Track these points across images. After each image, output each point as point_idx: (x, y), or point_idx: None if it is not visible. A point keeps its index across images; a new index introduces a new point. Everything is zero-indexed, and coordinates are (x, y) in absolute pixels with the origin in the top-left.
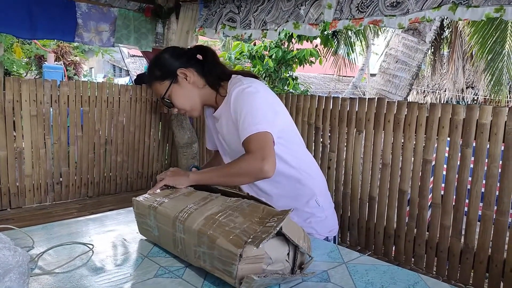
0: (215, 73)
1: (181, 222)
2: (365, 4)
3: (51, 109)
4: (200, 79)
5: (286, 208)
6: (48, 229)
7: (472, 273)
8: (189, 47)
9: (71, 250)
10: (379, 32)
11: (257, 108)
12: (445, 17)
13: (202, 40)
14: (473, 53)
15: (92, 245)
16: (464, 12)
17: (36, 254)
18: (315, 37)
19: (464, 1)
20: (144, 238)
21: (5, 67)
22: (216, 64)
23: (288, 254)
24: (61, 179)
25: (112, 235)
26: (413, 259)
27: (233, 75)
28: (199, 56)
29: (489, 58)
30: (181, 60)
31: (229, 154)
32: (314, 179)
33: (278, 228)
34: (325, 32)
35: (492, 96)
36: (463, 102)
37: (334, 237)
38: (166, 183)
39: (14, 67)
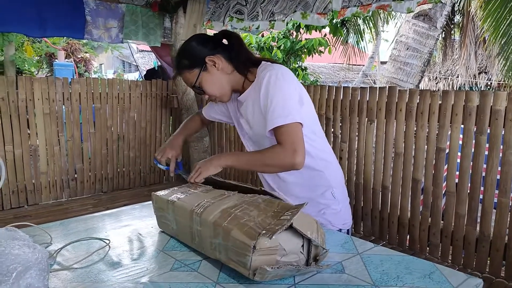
0: (242, 59)
1: (198, 215)
2: None
3: (63, 107)
4: (228, 65)
5: (300, 196)
6: (65, 225)
7: (488, 261)
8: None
9: (88, 245)
10: (389, 19)
11: (289, 97)
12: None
13: (211, 33)
14: (486, 37)
15: (109, 240)
16: None
17: (55, 250)
18: (323, 26)
19: None
20: (161, 231)
21: (17, 66)
22: (242, 49)
23: (302, 246)
24: (76, 175)
25: (128, 230)
26: (428, 248)
27: (262, 61)
28: (225, 41)
29: (502, 42)
30: (208, 47)
31: (251, 138)
32: (331, 171)
33: (292, 221)
34: (334, 21)
35: (507, 81)
36: (476, 88)
37: (348, 230)
38: (198, 167)
39: (26, 65)
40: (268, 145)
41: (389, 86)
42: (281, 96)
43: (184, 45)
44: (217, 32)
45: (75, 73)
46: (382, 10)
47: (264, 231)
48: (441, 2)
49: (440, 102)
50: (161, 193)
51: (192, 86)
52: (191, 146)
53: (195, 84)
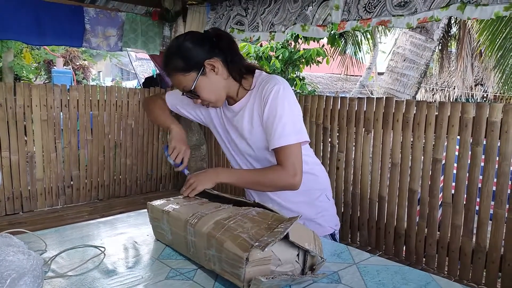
0: (238, 64)
1: (192, 225)
2: (372, 4)
3: (61, 114)
4: (224, 70)
5: (297, 202)
6: (60, 232)
7: (484, 273)
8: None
9: (83, 253)
10: (387, 31)
11: (298, 113)
12: (454, 17)
13: None
14: (482, 50)
15: (104, 247)
16: (473, 11)
17: (49, 257)
18: (321, 37)
19: (472, 0)
20: (156, 240)
21: (15, 72)
22: (237, 53)
23: (298, 255)
24: (72, 182)
25: (123, 237)
26: (424, 259)
27: (257, 70)
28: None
29: (499, 55)
30: (205, 48)
31: (241, 151)
32: (322, 175)
33: (285, 233)
34: (332, 32)
35: (503, 93)
36: (472, 99)
37: (338, 231)
38: (191, 181)
39: (24, 72)
40: (262, 159)
41: (386, 97)
42: (290, 114)
43: (177, 43)
44: (207, 30)
45: (73, 80)
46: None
47: (257, 243)
48: (440, 20)
49: (437, 113)
50: (156, 202)
51: (185, 90)
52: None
53: (189, 89)
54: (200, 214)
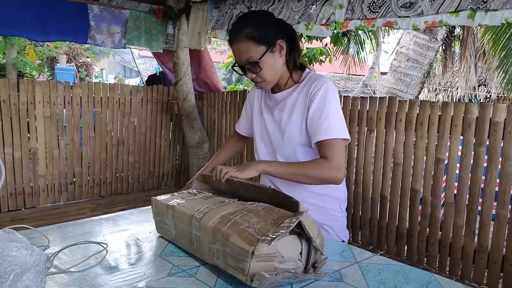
0: (295, 57)
1: (197, 220)
2: (377, 4)
3: (64, 110)
4: (285, 56)
5: (312, 203)
6: (62, 229)
7: (486, 273)
8: (202, 48)
9: (86, 249)
10: (390, 31)
11: (340, 114)
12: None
13: (212, 41)
14: (486, 50)
15: (106, 244)
16: (483, 17)
17: (52, 253)
18: (324, 36)
19: (482, 6)
20: (159, 237)
21: (18, 69)
22: (298, 47)
23: (301, 253)
24: (74, 179)
25: (125, 234)
26: (425, 259)
27: (307, 69)
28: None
29: (502, 55)
30: (279, 29)
31: (271, 139)
32: (341, 186)
33: (292, 226)
34: (335, 31)
35: (506, 94)
36: (475, 100)
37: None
38: (231, 174)
39: (27, 69)
40: (289, 153)
41: (389, 96)
42: (337, 112)
43: (257, 15)
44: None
45: (76, 77)
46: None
47: (263, 237)
48: (450, 25)
49: (440, 113)
50: (161, 197)
51: (246, 61)
52: (190, 152)
53: (254, 61)
54: (206, 209)
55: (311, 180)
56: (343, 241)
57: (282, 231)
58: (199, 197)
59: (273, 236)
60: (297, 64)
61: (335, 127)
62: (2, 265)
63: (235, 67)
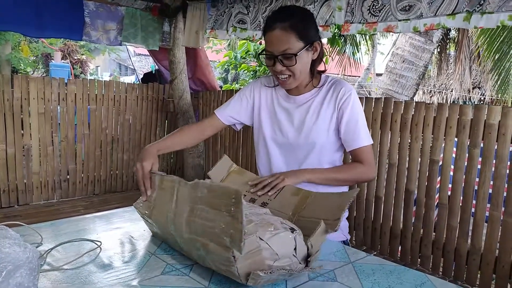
0: (320, 60)
1: (174, 232)
2: (377, 7)
3: (58, 107)
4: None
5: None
6: (56, 226)
7: (479, 274)
8: (200, 46)
9: (79, 247)
10: (386, 32)
11: (365, 120)
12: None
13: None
14: (480, 53)
15: (100, 242)
16: (478, 20)
17: (45, 250)
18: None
19: (478, 8)
20: (152, 235)
21: (12, 65)
22: (323, 52)
23: (295, 249)
24: (68, 176)
25: (119, 232)
26: (419, 260)
27: (326, 73)
28: None
29: (496, 58)
30: (317, 32)
31: (290, 143)
32: (345, 187)
33: (244, 223)
34: (336, 32)
35: (499, 96)
36: (469, 102)
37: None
38: (278, 175)
39: (21, 65)
40: (309, 154)
41: (384, 97)
42: (364, 118)
43: (303, 10)
44: None
45: (71, 74)
46: None
47: (230, 240)
48: (447, 27)
49: (435, 114)
50: (139, 204)
51: (283, 51)
52: (185, 150)
53: (292, 53)
54: (171, 219)
55: (349, 183)
56: (347, 238)
57: (242, 230)
58: (155, 196)
59: (239, 240)
60: (317, 68)
61: (366, 134)
62: None
63: (262, 55)
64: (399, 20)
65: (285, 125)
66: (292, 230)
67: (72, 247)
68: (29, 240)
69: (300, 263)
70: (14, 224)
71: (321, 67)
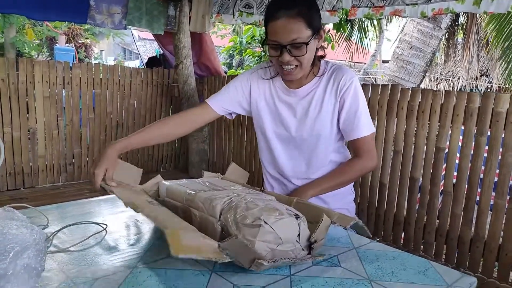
0: (320, 48)
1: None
2: None
3: (63, 91)
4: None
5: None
6: (62, 209)
7: (481, 262)
8: (206, 31)
9: (85, 229)
10: (393, 18)
11: (367, 107)
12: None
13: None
14: (489, 40)
15: (106, 224)
16: (488, 5)
17: (51, 232)
18: (327, 22)
19: None
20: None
21: (17, 48)
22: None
23: (298, 235)
24: (73, 160)
25: (125, 215)
26: (422, 247)
27: (325, 59)
28: None
29: (505, 45)
30: (320, 19)
31: (293, 138)
32: None
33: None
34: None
35: (507, 84)
36: (476, 90)
37: None
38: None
39: (26, 48)
40: (313, 147)
41: (391, 84)
42: (365, 106)
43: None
44: None
45: (76, 58)
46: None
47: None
48: (455, 12)
49: (442, 102)
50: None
51: (292, 40)
52: (190, 135)
53: (303, 42)
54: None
55: (353, 181)
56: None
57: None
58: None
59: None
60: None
61: (367, 123)
62: (2, 243)
63: (267, 45)
64: (407, 5)
65: (288, 120)
66: (297, 216)
67: (78, 229)
68: (35, 222)
69: (303, 249)
70: (21, 206)
71: (320, 53)
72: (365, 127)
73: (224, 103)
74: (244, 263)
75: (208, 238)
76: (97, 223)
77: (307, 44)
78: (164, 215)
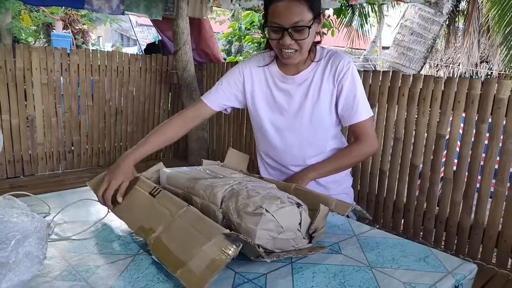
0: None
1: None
2: None
3: (61, 78)
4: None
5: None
6: (62, 196)
7: (480, 248)
8: (204, 16)
9: (86, 217)
10: (394, 3)
11: (364, 91)
12: None
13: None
14: (490, 26)
15: (107, 212)
16: None
17: (52, 220)
18: (327, 8)
19: None
20: None
21: (14, 35)
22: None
23: (299, 223)
24: (72, 147)
25: None
26: (421, 233)
27: (321, 45)
28: None
29: (506, 31)
30: (320, 2)
31: (291, 126)
32: None
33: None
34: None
35: (508, 71)
36: (477, 76)
37: None
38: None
39: (23, 34)
40: (311, 135)
41: (392, 71)
42: (363, 91)
43: None
44: None
45: (73, 44)
46: None
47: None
48: None
49: (443, 89)
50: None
51: (295, 23)
52: None
53: (305, 25)
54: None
55: (354, 165)
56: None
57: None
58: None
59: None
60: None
61: (365, 107)
62: (3, 231)
63: (267, 27)
64: None
65: (285, 107)
66: (298, 205)
67: (79, 217)
68: (36, 210)
69: (304, 238)
70: (21, 194)
71: (316, 39)
72: (364, 111)
73: (218, 98)
74: (248, 254)
75: (205, 236)
76: (97, 200)
77: (309, 27)
78: (175, 232)
